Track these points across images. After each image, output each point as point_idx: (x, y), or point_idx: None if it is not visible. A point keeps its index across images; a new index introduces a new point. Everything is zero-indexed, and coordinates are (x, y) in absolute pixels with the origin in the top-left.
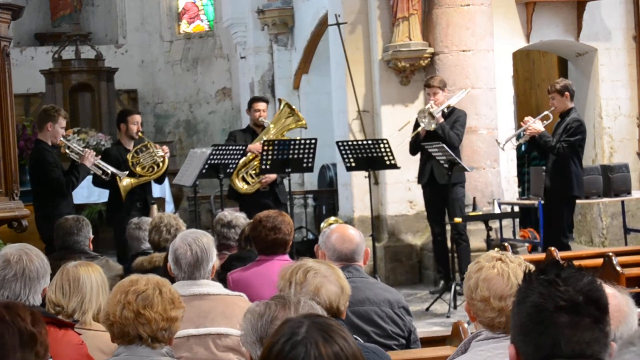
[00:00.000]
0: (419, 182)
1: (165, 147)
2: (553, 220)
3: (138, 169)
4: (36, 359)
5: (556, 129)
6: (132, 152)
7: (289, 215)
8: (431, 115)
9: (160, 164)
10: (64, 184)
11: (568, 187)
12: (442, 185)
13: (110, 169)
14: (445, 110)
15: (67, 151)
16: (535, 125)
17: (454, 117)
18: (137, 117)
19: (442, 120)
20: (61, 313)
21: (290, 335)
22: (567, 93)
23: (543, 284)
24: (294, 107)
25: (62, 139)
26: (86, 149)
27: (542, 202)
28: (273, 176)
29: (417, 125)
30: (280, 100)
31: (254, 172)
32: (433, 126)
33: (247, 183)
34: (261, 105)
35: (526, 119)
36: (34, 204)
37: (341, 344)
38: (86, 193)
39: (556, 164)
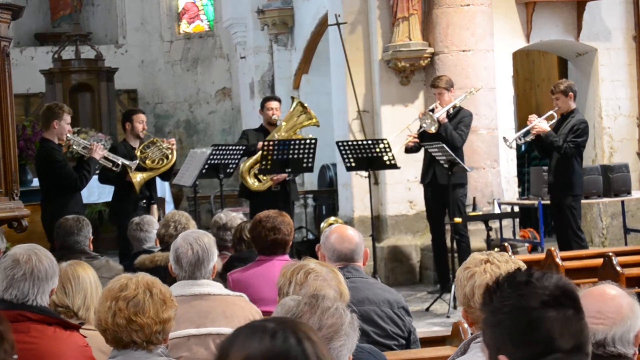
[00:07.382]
0: (421, 181)
1: (172, 140)
2: (565, 221)
3: (148, 162)
4: (5, 356)
5: (557, 128)
6: (139, 149)
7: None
8: (432, 118)
9: (170, 156)
10: (77, 179)
11: (572, 185)
12: (443, 185)
13: (120, 159)
14: (451, 111)
15: (75, 147)
16: (542, 124)
17: (459, 118)
18: (142, 116)
19: (446, 120)
20: (64, 313)
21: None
22: (570, 93)
23: (520, 286)
24: (306, 105)
25: (68, 134)
26: (93, 142)
27: (542, 201)
28: (284, 175)
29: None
30: (292, 99)
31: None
32: (433, 129)
33: (259, 180)
34: (274, 104)
35: (531, 117)
36: (42, 204)
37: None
38: (86, 193)
39: (560, 163)
